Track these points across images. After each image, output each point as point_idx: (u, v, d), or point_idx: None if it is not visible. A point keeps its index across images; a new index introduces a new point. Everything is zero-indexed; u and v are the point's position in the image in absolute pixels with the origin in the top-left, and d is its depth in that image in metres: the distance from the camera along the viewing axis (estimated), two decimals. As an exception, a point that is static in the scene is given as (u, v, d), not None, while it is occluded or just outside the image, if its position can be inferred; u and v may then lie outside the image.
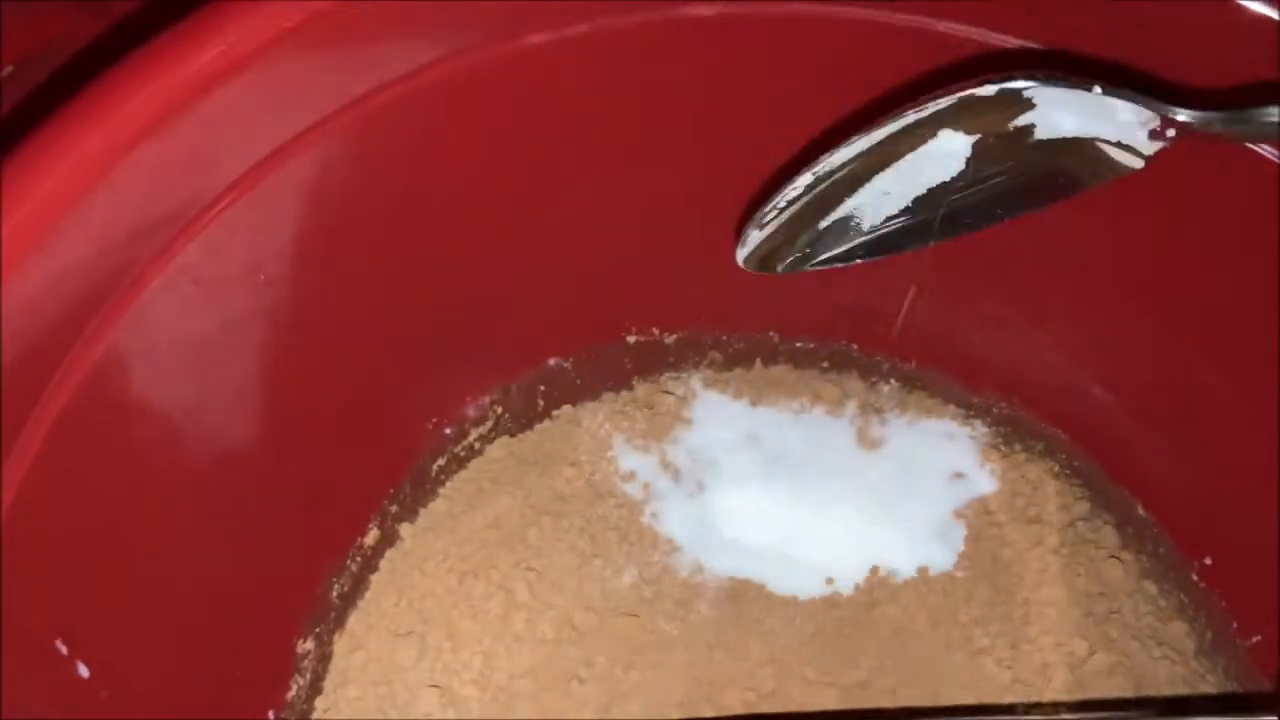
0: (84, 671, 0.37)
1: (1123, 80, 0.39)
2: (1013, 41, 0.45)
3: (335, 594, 0.51)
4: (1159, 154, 0.40)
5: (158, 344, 0.39)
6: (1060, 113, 0.38)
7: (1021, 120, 0.38)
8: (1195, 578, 0.54)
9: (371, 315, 0.48)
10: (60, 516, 0.37)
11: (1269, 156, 0.44)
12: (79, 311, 0.35)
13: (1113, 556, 0.55)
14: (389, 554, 0.53)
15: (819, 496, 0.55)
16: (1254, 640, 0.52)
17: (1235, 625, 0.52)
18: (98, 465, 0.39)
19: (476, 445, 0.56)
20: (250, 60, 0.36)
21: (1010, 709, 0.50)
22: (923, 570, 0.54)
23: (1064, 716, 0.36)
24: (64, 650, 0.36)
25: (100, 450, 0.38)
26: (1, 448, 0.33)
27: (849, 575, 0.54)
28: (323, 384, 0.47)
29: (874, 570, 0.54)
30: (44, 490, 0.35)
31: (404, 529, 0.54)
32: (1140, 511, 0.56)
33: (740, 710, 0.50)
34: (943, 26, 0.47)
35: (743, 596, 0.53)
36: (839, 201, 0.41)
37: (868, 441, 0.57)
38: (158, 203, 0.37)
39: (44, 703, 0.37)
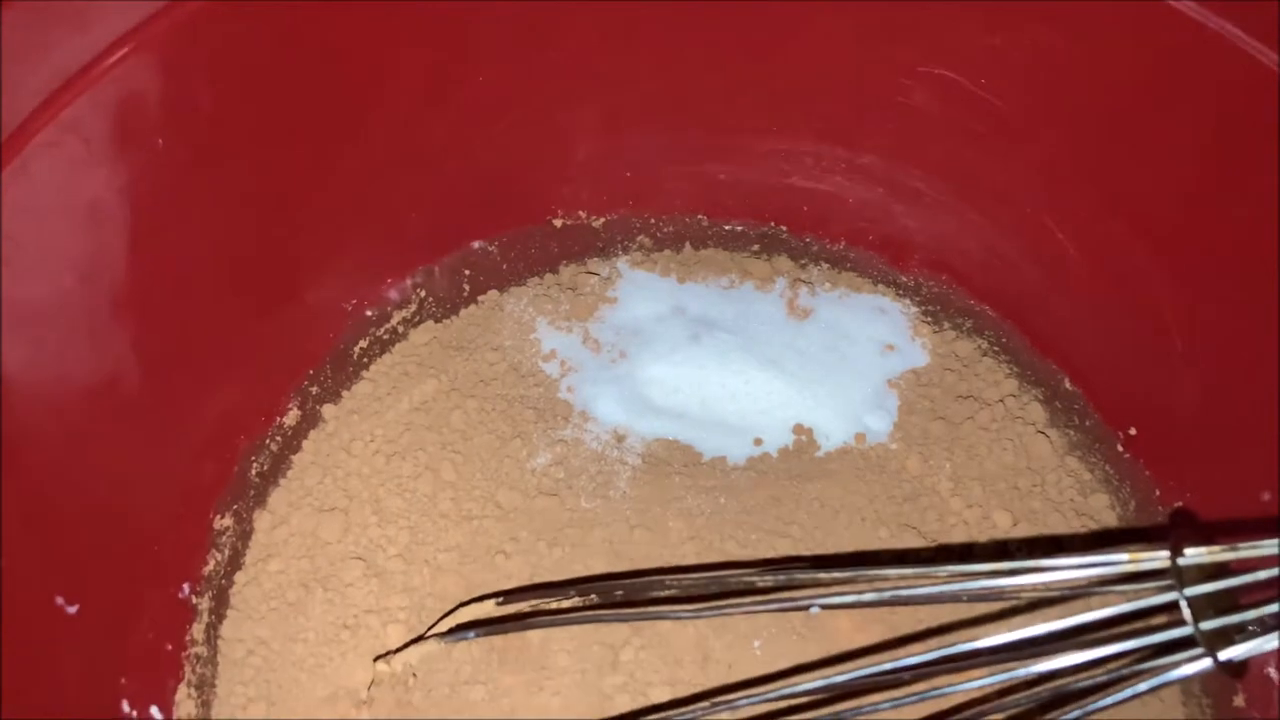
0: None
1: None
2: None
3: (255, 472, 0.51)
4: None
5: (45, 202, 0.38)
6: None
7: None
8: (1120, 449, 0.54)
9: (280, 189, 0.48)
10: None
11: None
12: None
13: (1040, 432, 0.55)
14: (312, 434, 0.53)
15: (747, 360, 0.55)
16: (1176, 506, 0.52)
17: (1158, 493, 0.53)
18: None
19: (400, 329, 0.56)
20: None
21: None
22: (859, 437, 0.54)
23: (981, 582, 0.37)
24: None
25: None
26: None
27: (778, 437, 0.54)
28: (226, 257, 0.47)
29: (803, 430, 0.54)
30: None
31: (327, 410, 0.53)
32: (1067, 385, 0.56)
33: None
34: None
35: (667, 463, 0.53)
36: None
37: (798, 311, 0.57)
38: (39, 55, 0.37)
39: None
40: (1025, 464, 0.54)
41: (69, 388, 0.41)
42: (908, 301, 0.58)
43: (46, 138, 0.38)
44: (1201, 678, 0.49)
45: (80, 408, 0.42)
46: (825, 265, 0.59)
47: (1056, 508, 0.53)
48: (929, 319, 0.58)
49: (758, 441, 0.54)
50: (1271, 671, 0.46)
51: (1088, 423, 0.55)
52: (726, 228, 0.59)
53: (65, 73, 0.38)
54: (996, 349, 0.57)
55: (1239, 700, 0.48)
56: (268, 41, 0.43)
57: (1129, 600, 0.35)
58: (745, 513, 0.52)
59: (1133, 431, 0.54)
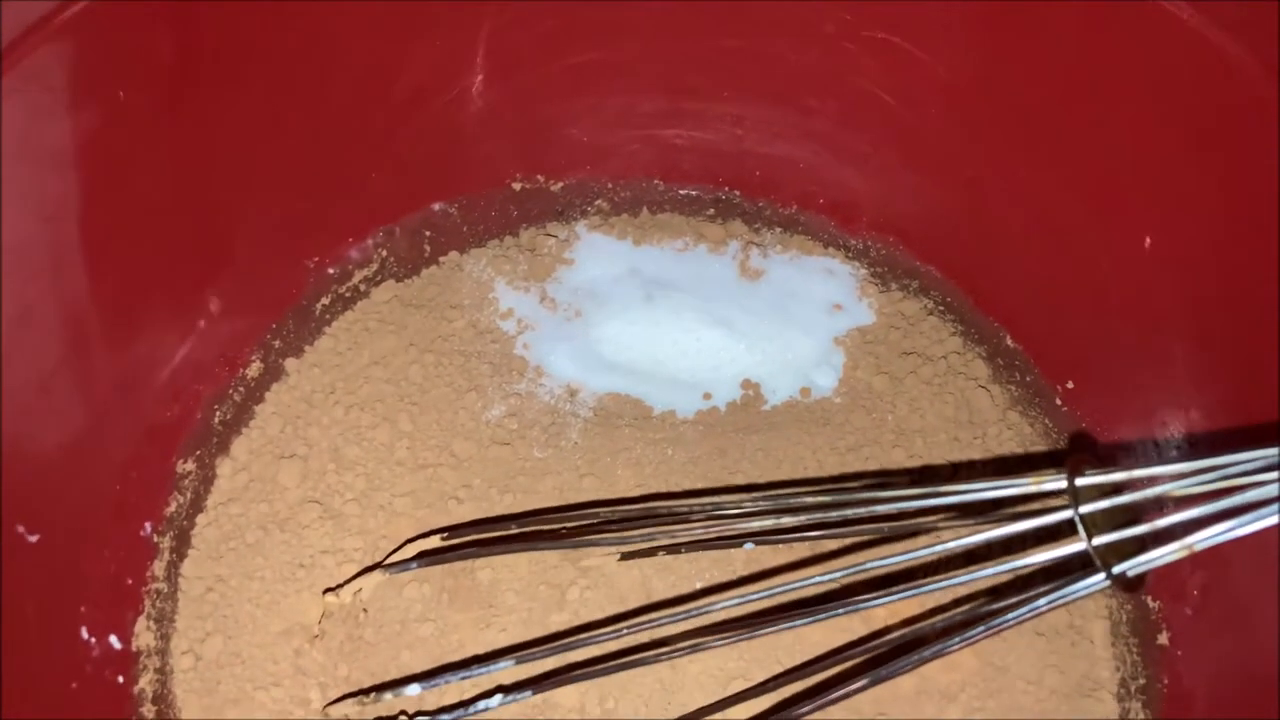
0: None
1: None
2: None
3: (218, 421, 0.53)
4: None
5: (9, 147, 0.40)
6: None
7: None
8: (1059, 402, 0.56)
9: (239, 144, 0.50)
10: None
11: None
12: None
13: (982, 387, 0.57)
14: (275, 386, 0.55)
15: (699, 319, 0.57)
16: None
17: (1096, 445, 0.54)
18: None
19: (362, 288, 0.58)
20: None
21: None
22: (805, 391, 0.56)
23: (895, 505, 0.39)
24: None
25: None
26: None
27: (726, 392, 0.56)
28: (186, 208, 0.49)
29: (750, 385, 0.56)
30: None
31: (289, 364, 0.55)
32: (1009, 342, 0.57)
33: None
34: None
35: (618, 417, 0.54)
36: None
37: (749, 273, 0.59)
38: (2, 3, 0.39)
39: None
40: (967, 417, 0.56)
41: (34, 326, 0.43)
42: (857, 264, 0.60)
43: (10, 84, 0.40)
44: (1129, 618, 0.50)
45: (44, 346, 0.44)
46: (778, 229, 0.61)
47: (995, 457, 0.55)
48: (876, 280, 0.60)
49: (706, 396, 0.56)
50: (1188, 610, 0.48)
51: (1028, 378, 0.57)
52: (682, 192, 0.61)
53: (27, 21, 0.40)
54: (941, 308, 0.59)
55: (1163, 639, 0.49)
56: (219, 14, 0.45)
57: (1032, 520, 0.37)
58: (692, 463, 0.54)
59: (1070, 385, 0.55)
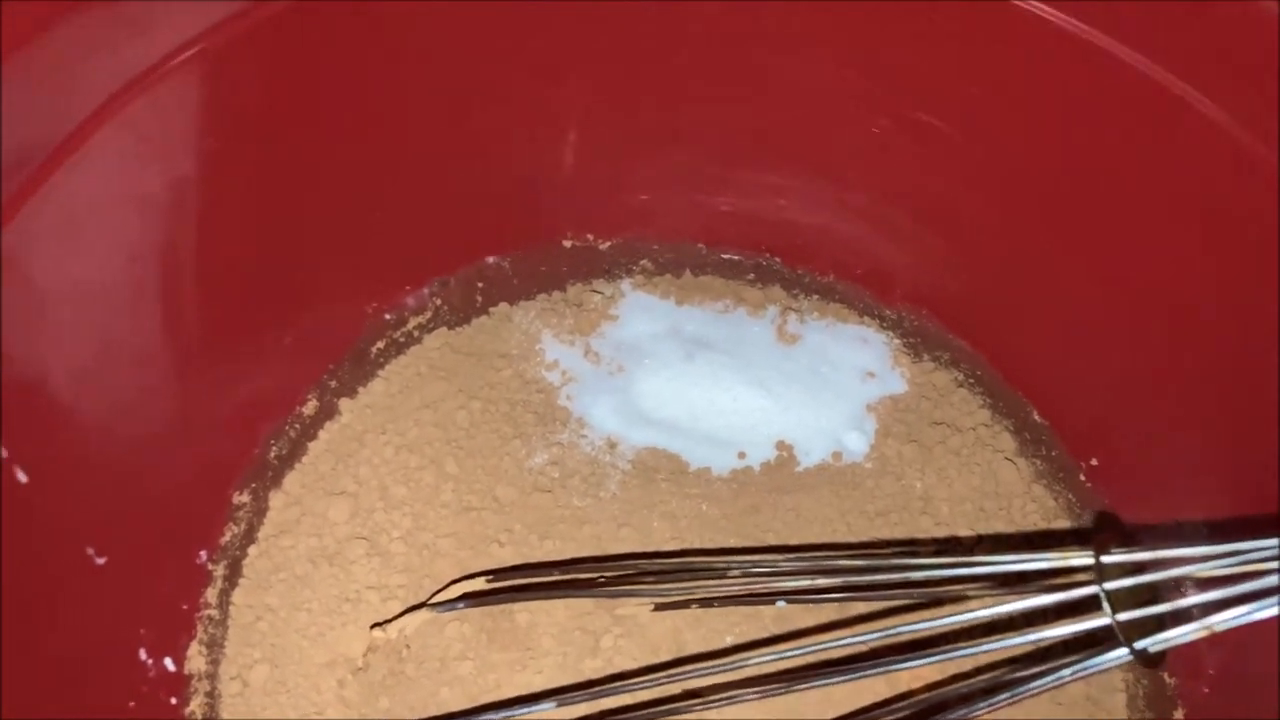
0: (22, 477, 0.41)
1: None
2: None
3: (274, 455, 0.55)
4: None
5: (102, 191, 0.43)
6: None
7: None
8: (1083, 478, 0.57)
9: (316, 195, 0.52)
10: (21, 343, 0.41)
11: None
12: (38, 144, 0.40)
13: (1008, 459, 0.59)
14: (328, 425, 0.57)
15: (736, 379, 0.59)
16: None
17: (1120, 524, 0.56)
18: (39, 301, 0.43)
19: (416, 334, 0.60)
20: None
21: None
22: (836, 455, 0.58)
23: (926, 573, 0.40)
24: (3, 453, 0.40)
25: (40, 290, 0.42)
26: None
27: (760, 451, 0.58)
28: (263, 254, 0.51)
29: (784, 446, 0.58)
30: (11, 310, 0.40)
31: (344, 404, 0.58)
32: (1036, 417, 0.59)
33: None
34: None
35: (655, 470, 0.56)
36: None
37: (786, 337, 0.61)
38: (104, 58, 0.42)
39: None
40: (993, 488, 0.58)
41: (112, 360, 0.46)
42: (890, 334, 0.62)
43: (107, 134, 0.43)
44: (1145, 692, 0.52)
45: (121, 380, 0.46)
46: (815, 296, 0.63)
47: (1020, 531, 0.56)
48: (909, 350, 0.62)
49: (741, 455, 0.58)
50: (1204, 688, 0.49)
51: (1053, 453, 0.59)
52: (724, 256, 0.64)
53: (127, 75, 0.43)
54: (971, 380, 0.61)
55: (1179, 715, 0.50)
56: (312, 58, 0.48)
57: (1058, 594, 0.39)
58: (725, 519, 0.56)
59: (1095, 462, 0.57)
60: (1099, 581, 0.38)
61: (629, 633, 0.52)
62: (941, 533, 0.56)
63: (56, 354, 0.43)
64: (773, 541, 0.55)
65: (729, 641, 0.52)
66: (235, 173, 0.48)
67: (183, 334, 0.49)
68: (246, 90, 0.47)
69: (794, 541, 0.55)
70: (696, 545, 0.55)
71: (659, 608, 0.51)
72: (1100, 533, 0.40)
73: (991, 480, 0.58)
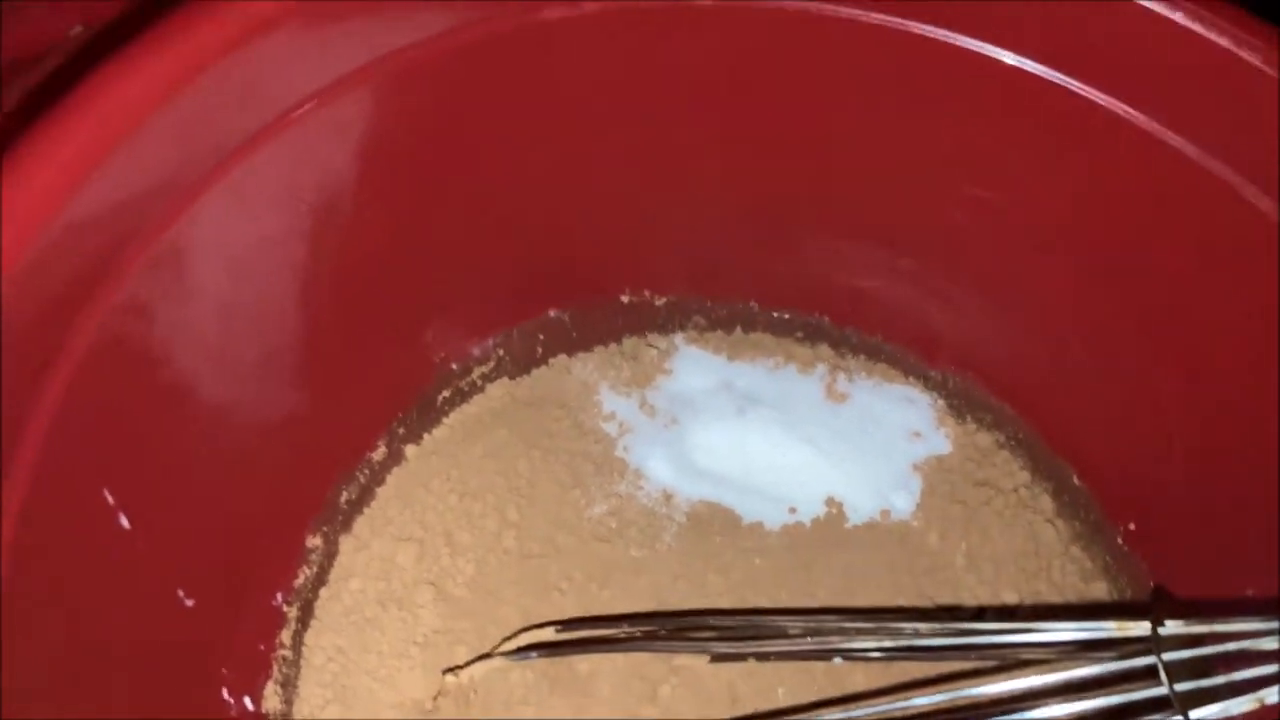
0: (125, 523, 0.43)
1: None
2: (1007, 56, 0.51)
3: (344, 500, 0.57)
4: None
5: (205, 249, 0.45)
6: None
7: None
8: (1120, 541, 0.59)
9: (396, 254, 0.54)
10: (118, 393, 0.43)
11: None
12: (146, 209, 0.42)
13: (1048, 521, 0.61)
14: (395, 471, 0.59)
15: (787, 435, 0.61)
16: (1156, 585, 0.57)
17: (1153, 585, 0.58)
18: (146, 350, 0.45)
19: (479, 383, 0.62)
20: (290, 14, 0.42)
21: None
22: (885, 513, 0.60)
23: (987, 638, 0.42)
24: (110, 500, 0.42)
25: (147, 338, 0.44)
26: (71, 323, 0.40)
27: (811, 507, 0.60)
28: (345, 309, 0.53)
29: (834, 503, 0.60)
30: (105, 367, 0.42)
31: (410, 450, 0.60)
32: (1075, 481, 0.61)
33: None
34: (925, 30, 0.53)
35: (709, 523, 0.58)
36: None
37: (835, 395, 0.63)
38: (208, 130, 0.44)
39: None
40: (1034, 549, 0.60)
41: (215, 410, 0.48)
42: (935, 394, 0.64)
43: (212, 196, 0.45)
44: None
45: (219, 428, 0.48)
46: (863, 356, 0.66)
47: (1059, 590, 0.58)
48: (953, 411, 0.64)
49: (792, 510, 0.60)
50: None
51: (1092, 516, 0.61)
52: (775, 315, 0.66)
53: (249, 131, 0.45)
54: (1013, 443, 0.63)
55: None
56: (414, 122, 0.50)
57: (1114, 662, 0.41)
58: (777, 573, 0.57)
59: (1132, 526, 0.59)
60: (1157, 652, 0.40)
61: (686, 683, 0.53)
62: (985, 591, 0.58)
63: (171, 400, 0.45)
64: (824, 596, 0.57)
65: (781, 694, 0.54)
66: (328, 227, 0.50)
67: (266, 384, 0.51)
68: (347, 150, 0.49)
69: (844, 597, 0.57)
70: (750, 598, 0.56)
71: (715, 659, 0.53)
72: (1157, 604, 0.42)
73: (1032, 541, 0.60)
